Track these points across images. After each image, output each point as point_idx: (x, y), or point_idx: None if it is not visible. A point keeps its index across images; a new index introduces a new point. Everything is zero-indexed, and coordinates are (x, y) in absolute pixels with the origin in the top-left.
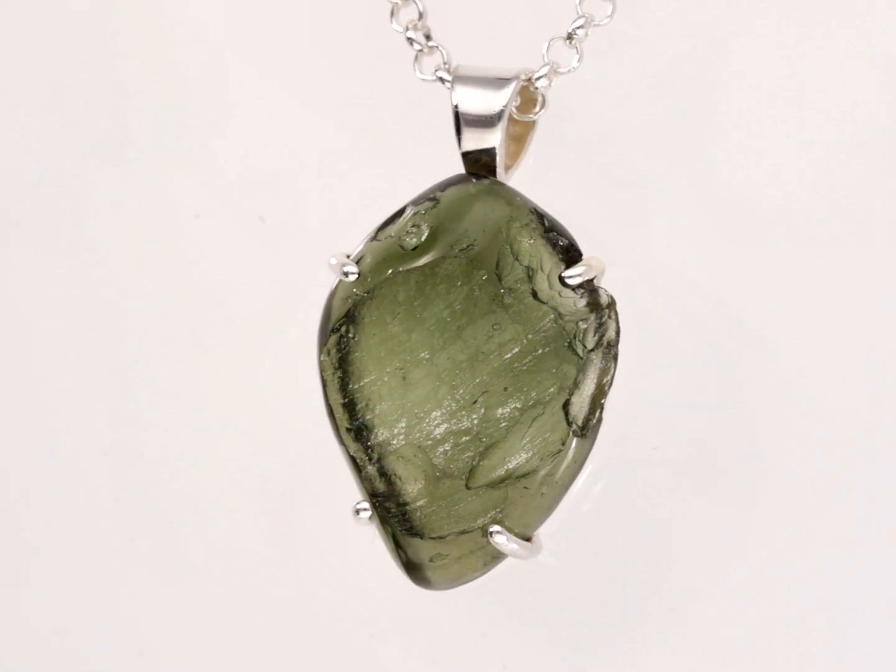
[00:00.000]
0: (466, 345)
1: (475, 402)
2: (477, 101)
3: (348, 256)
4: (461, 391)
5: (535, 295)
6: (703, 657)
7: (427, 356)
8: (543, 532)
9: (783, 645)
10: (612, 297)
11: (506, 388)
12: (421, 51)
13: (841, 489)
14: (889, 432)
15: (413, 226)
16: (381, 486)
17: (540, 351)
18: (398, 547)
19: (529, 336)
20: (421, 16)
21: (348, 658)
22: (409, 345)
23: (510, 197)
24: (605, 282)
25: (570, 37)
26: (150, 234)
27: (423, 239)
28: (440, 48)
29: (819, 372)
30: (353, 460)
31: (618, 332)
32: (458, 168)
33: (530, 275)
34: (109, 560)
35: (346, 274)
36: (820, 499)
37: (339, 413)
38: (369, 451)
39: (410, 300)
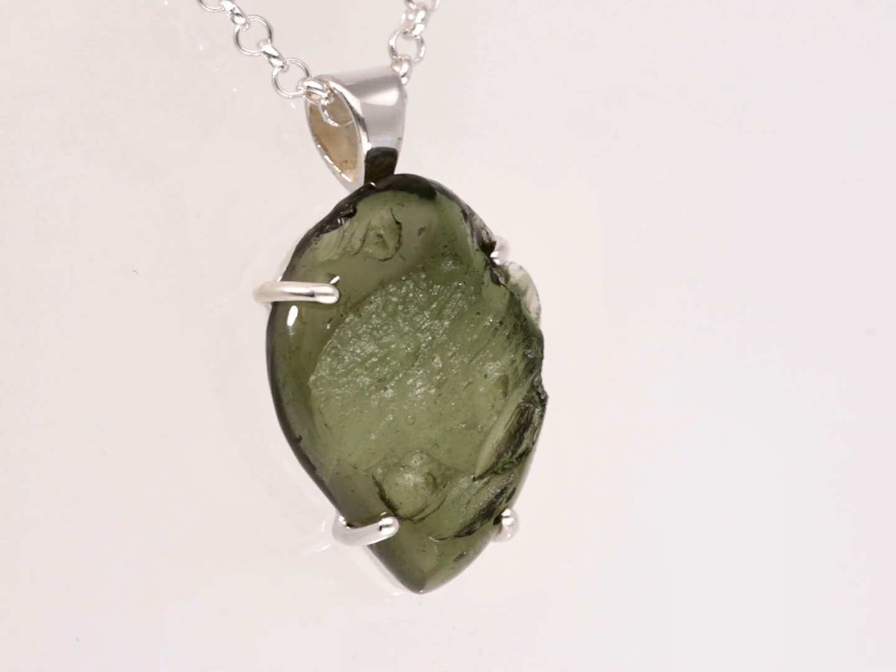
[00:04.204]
0: (454, 342)
1: (462, 395)
2: (374, 103)
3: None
4: (447, 387)
5: (495, 279)
6: (689, 650)
7: (415, 362)
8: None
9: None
10: (524, 270)
11: (486, 376)
12: (282, 67)
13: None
14: None
15: (376, 235)
16: (389, 499)
17: (509, 331)
18: (416, 556)
19: (501, 319)
20: (270, 34)
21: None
22: (398, 355)
23: (443, 190)
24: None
25: (413, 28)
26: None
27: (398, 246)
28: (298, 62)
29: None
30: (347, 483)
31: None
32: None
33: (485, 261)
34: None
35: (314, 297)
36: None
37: (325, 439)
38: (367, 470)
39: (399, 309)
